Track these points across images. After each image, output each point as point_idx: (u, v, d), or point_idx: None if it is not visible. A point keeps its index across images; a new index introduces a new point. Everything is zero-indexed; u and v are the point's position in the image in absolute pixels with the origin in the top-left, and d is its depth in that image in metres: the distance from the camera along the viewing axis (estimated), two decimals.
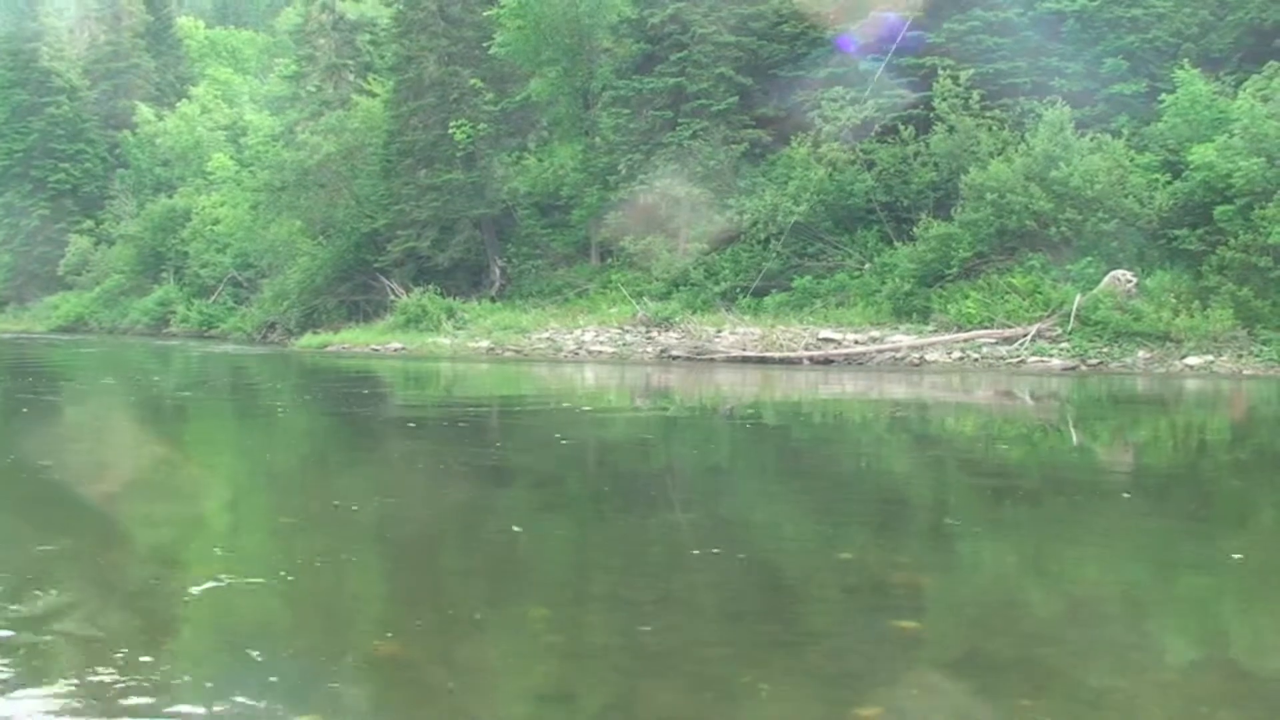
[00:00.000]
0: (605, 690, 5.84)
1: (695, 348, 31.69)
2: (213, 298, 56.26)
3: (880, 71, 34.27)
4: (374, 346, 38.46)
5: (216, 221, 57.48)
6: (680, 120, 37.92)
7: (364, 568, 8.67)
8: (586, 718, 5.44)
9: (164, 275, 60.82)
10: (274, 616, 7.21)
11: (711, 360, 30.69)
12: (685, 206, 38.09)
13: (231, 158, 60.60)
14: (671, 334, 33.36)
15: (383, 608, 7.65)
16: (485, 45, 43.28)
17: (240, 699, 5.53)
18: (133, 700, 5.45)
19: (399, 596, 7.92)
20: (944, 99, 32.85)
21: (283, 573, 8.31)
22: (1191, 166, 28.91)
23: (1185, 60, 31.25)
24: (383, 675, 6.02)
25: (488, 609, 7.31)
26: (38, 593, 7.43)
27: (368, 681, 5.91)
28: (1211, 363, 26.27)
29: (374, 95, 46.97)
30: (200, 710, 5.36)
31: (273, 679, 5.80)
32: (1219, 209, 27.94)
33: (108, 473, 13.09)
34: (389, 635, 6.80)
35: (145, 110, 70.06)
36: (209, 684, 5.77)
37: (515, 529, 9.82)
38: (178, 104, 70.59)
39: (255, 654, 6.22)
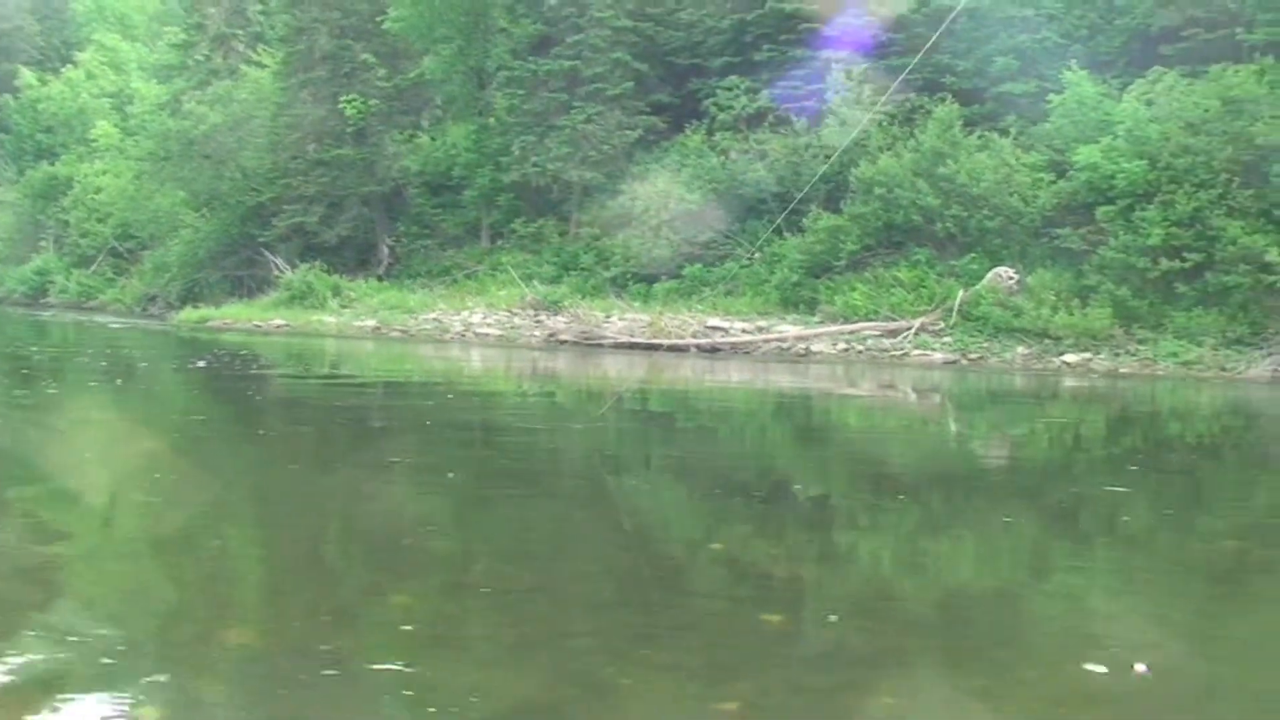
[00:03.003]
0: (459, 682, 5.66)
1: (583, 333, 31.49)
2: (92, 268, 54.91)
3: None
4: (256, 323, 37.71)
5: (98, 190, 56.05)
6: (575, 104, 37.66)
7: (235, 553, 8.42)
8: (436, 709, 5.26)
9: (43, 244, 59.19)
10: (135, 592, 6.96)
11: (599, 346, 30.54)
12: (578, 190, 37.91)
13: (116, 126, 59.01)
14: (560, 318, 33.14)
15: (246, 595, 7.40)
16: (379, 20, 42.54)
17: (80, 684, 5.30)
18: None
19: (263, 585, 7.68)
20: (836, 92, 33.03)
21: (142, 550, 8.07)
22: (1076, 167, 29.37)
23: (1074, 62, 31.59)
24: (230, 665, 5.80)
25: (354, 597, 7.13)
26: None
27: (215, 671, 5.70)
28: (1089, 360, 26.76)
29: (263, 66, 46.02)
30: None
31: (117, 665, 5.57)
32: (1101, 209, 28.42)
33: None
34: (243, 624, 6.57)
35: (28, 74, 68.04)
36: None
37: (391, 513, 9.63)
38: (63, 69, 68.63)
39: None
